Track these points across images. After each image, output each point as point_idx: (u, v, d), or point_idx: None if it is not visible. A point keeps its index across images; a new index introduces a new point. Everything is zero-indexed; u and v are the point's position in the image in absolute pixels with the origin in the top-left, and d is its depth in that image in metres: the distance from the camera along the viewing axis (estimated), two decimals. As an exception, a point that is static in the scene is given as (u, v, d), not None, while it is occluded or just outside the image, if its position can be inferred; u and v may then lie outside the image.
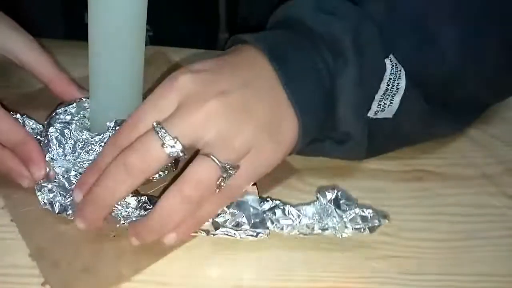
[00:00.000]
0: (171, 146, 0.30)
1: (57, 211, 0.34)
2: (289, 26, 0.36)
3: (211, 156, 0.30)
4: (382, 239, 0.37)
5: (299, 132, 0.34)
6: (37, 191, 0.35)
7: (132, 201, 0.33)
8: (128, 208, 0.33)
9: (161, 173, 0.35)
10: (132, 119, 0.32)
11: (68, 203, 0.34)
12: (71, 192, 0.34)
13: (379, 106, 0.36)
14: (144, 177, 0.31)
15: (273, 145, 0.32)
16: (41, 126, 0.38)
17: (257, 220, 0.34)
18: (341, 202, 0.35)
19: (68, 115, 0.37)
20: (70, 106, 0.37)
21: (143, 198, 0.34)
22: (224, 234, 0.34)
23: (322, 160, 0.42)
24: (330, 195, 0.35)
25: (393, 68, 0.35)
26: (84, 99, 0.38)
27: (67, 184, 0.34)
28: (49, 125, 0.36)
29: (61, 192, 0.34)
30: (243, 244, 0.35)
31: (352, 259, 0.35)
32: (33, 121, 0.38)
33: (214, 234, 0.34)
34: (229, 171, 0.30)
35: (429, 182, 0.42)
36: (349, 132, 0.36)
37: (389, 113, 0.37)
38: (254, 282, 0.33)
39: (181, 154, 0.30)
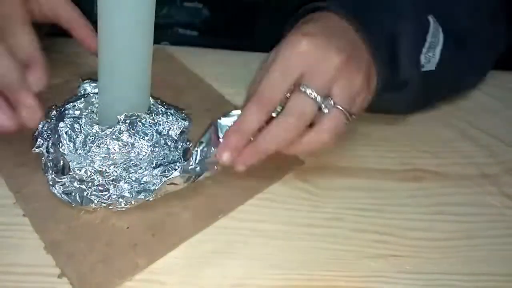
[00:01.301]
0: (325, 103, 0.35)
1: (79, 201, 0.35)
2: None
3: (338, 106, 0.36)
4: (380, 238, 0.37)
5: (377, 80, 0.40)
6: (50, 186, 0.35)
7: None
8: None
9: (185, 183, 0.36)
10: (265, 86, 0.36)
11: (92, 195, 0.35)
12: (91, 183, 0.35)
13: (426, 59, 0.42)
14: (297, 133, 0.36)
15: (367, 95, 0.39)
16: None
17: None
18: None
19: (77, 110, 0.37)
20: (78, 101, 0.38)
21: None
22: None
23: (321, 159, 0.42)
24: None
25: (434, 23, 0.42)
26: (91, 95, 0.38)
27: (84, 177, 0.35)
28: (59, 120, 0.36)
29: (79, 185, 0.35)
30: (241, 243, 0.36)
31: (351, 258, 0.35)
32: None
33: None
34: (350, 118, 0.36)
35: (428, 182, 0.42)
36: (407, 79, 0.42)
37: (433, 64, 0.42)
38: (251, 281, 0.34)
39: (329, 105, 0.35)
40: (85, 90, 0.39)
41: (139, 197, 0.35)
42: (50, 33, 0.51)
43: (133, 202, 0.36)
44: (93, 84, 0.39)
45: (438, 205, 0.40)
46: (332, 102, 0.35)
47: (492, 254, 0.37)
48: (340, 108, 0.36)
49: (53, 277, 0.32)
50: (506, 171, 0.43)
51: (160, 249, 0.34)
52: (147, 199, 0.36)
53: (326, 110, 0.35)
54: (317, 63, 0.36)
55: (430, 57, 0.42)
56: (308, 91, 0.35)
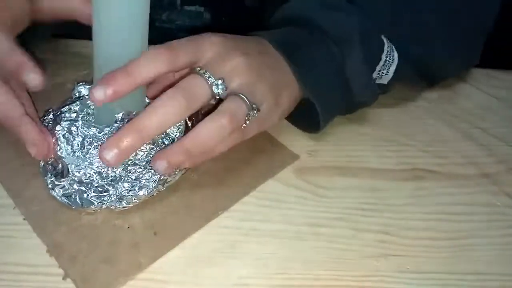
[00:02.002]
0: (218, 85, 0.35)
1: (80, 203, 0.35)
2: (295, 23, 0.42)
3: (240, 95, 0.35)
4: (381, 238, 0.37)
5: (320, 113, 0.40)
6: (50, 190, 0.36)
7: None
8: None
9: (176, 174, 0.37)
10: (170, 45, 0.35)
11: (92, 196, 0.35)
12: (91, 184, 0.35)
13: (378, 75, 0.42)
14: (187, 114, 0.35)
15: (275, 107, 0.38)
16: None
17: None
18: None
19: (73, 113, 0.37)
20: (74, 104, 0.38)
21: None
22: None
23: (321, 158, 0.42)
24: None
25: (388, 42, 0.42)
26: (87, 97, 0.38)
27: (83, 179, 0.35)
28: (56, 123, 0.36)
29: (78, 187, 0.35)
30: (243, 243, 0.36)
31: (352, 258, 0.35)
32: None
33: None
34: (253, 110, 0.35)
35: (429, 181, 0.42)
36: (365, 101, 0.43)
37: (384, 80, 0.43)
38: (253, 280, 0.34)
39: (223, 95, 0.35)
40: (79, 92, 0.39)
41: (139, 195, 0.36)
42: (52, 35, 0.51)
43: (134, 201, 0.36)
44: (87, 87, 0.39)
45: (439, 204, 0.40)
46: (225, 87, 0.35)
47: (493, 254, 0.37)
48: (240, 95, 0.35)
49: (56, 276, 0.32)
50: (506, 171, 0.43)
51: (162, 247, 0.35)
52: (147, 197, 0.36)
53: (219, 91, 0.35)
54: (224, 54, 0.36)
55: (383, 74, 0.42)
56: (202, 71, 0.35)
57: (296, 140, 0.43)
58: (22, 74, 0.36)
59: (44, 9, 0.41)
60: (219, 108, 0.34)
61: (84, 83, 0.39)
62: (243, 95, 0.35)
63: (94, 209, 0.36)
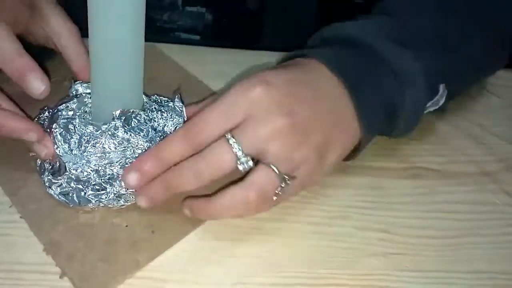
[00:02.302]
0: (244, 163, 0.32)
1: (77, 201, 0.35)
2: (353, 46, 0.38)
3: (272, 166, 0.32)
4: (381, 236, 0.37)
5: (362, 143, 0.37)
6: (47, 188, 0.35)
7: None
8: None
9: None
10: (202, 119, 0.33)
11: (90, 194, 0.35)
12: (88, 183, 0.35)
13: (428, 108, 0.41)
14: (210, 180, 0.33)
15: (318, 166, 0.35)
16: None
17: None
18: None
19: (70, 111, 0.37)
20: (71, 102, 0.37)
21: None
22: None
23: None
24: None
25: (443, 92, 0.40)
26: (84, 95, 0.38)
27: (81, 176, 0.35)
28: (52, 121, 0.36)
29: (75, 185, 0.35)
30: (243, 241, 0.35)
31: (352, 256, 0.35)
32: None
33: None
34: (287, 181, 0.33)
35: (428, 180, 0.42)
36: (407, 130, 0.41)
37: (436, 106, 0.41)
38: (253, 279, 0.33)
39: (248, 169, 0.33)
40: (77, 90, 0.39)
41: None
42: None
43: (131, 199, 0.36)
44: (84, 85, 0.38)
45: (439, 203, 0.40)
46: (251, 163, 0.32)
47: (492, 252, 0.37)
48: (271, 166, 0.32)
49: (53, 275, 0.32)
50: (506, 169, 0.43)
51: (160, 245, 0.34)
52: None
53: (241, 167, 0.32)
54: (258, 117, 0.32)
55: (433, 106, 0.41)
56: (232, 141, 0.32)
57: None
58: (26, 79, 0.36)
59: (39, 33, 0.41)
60: (248, 178, 0.32)
61: (81, 81, 0.39)
62: (276, 166, 0.32)
63: (91, 207, 0.35)
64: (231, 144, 0.32)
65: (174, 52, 0.50)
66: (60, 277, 0.32)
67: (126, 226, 0.35)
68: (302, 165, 0.33)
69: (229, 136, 0.32)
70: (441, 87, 0.40)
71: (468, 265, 0.36)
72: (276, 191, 0.33)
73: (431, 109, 0.41)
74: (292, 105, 0.33)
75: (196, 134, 0.33)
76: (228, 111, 0.33)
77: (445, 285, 0.35)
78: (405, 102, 0.38)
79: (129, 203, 0.36)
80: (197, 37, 0.57)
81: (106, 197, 0.35)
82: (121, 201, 0.35)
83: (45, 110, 0.38)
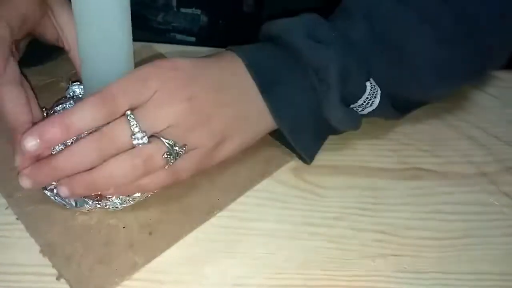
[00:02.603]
0: (139, 139, 0.32)
1: (74, 203, 0.35)
2: (277, 44, 0.39)
3: (162, 139, 0.33)
4: (379, 237, 0.37)
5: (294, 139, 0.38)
6: (43, 189, 0.35)
7: None
8: None
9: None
10: (108, 93, 0.33)
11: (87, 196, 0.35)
12: None
13: (360, 108, 0.40)
14: (105, 158, 0.33)
15: (216, 150, 0.36)
16: None
17: None
18: None
19: None
20: (68, 103, 0.37)
21: None
22: None
23: (319, 157, 0.42)
24: None
25: (372, 89, 0.39)
26: (81, 96, 0.38)
27: None
28: None
29: None
30: (240, 242, 0.35)
31: (349, 257, 0.35)
32: None
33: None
34: (176, 149, 0.33)
35: (427, 181, 0.41)
36: (346, 130, 0.41)
37: (365, 111, 0.41)
38: (250, 280, 0.33)
39: (142, 146, 0.33)
40: (74, 92, 0.38)
41: (134, 196, 0.35)
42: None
43: (128, 201, 0.35)
44: (82, 86, 0.38)
45: (437, 203, 0.40)
46: (146, 139, 0.32)
47: (491, 253, 0.37)
48: (162, 138, 0.33)
49: (49, 277, 0.32)
50: (505, 170, 0.43)
51: (157, 247, 0.34)
52: (141, 198, 0.36)
53: (135, 142, 0.32)
54: (161, 98, 0.33)
55: (357, 111, 0.40)
56: (131, 117, 0.32)
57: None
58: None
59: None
60: (135, 149, 0.33)
61: (78, 82, 0.39)
62: (168, 140, 0.33)
63: (88, 209, 0.35)
64: (129, 120, 0.32)
65: (170, 52, 0.50)
66: (57, 279, 0.32)
67: (123, 227, 0.35)
68: (196, 148, 0.35)
69: (129, 113, 0.33)
70: (368, 84, 0.39)
71: (467, 266, 0.36)
72: (165, 157, 0.33)
73: (368, 109, 0.40)
74: (195, 92, 0.35)
75: (102, 107, 0.32)
76: (134, 88, 0.33)
77: (444, 286, 0.34)
78: (326, 99, 0.38)
79: (126, 205, 0.36)
80: (193, 39, 0.57)
81: (103, 199, 0.35)
82: (117, 203, 0.35)
83: (42, 111, 0.38)
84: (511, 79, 0.53)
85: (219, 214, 0.37)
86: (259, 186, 0.39)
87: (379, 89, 0.39)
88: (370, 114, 0.41)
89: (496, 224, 0.39)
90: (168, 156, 0.33)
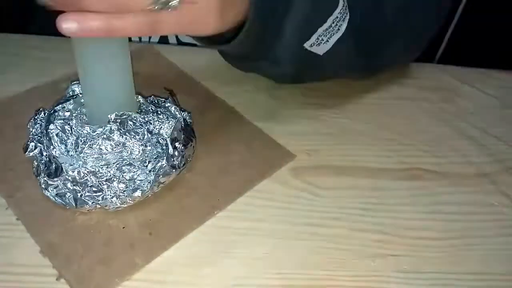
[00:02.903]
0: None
1: (74, 203, 0.35)
2: None
3: None
4: (379, 238, 0.37)
5: (248, 17, 0.34)
6: (43, 189, 0.35)
7: None
8: None
9: (170, 174, 0.36)
10: None
11: (87, 196, 0.35)
12: (85, 184, 0.35)
13: (317, 40, 0.38)
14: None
15: (215, 13, 0.32)
16: None
17: None
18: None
19: (67, 111, 0.37)
20: (68, 103, 0.37)
21: None
22: None
23: (319, 158, 0.42)
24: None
25: (342, 9, 0.38)
26: (80, 95, 0.38)
27: (78, 178, 0.35)
28: (49, 122, 0.36)
29: (72, 186, 0.35)
30: (240, 243, 0.35)
31: (349, 258, 0.35)
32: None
33: None
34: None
35: (427, 181, 0.41)
36: (281, 57, 0.39)
37: (321, 50, 0.39)
38: (250, 281, 0.33)
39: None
40: (73, 91, 0.38)
41: (134, 196, 0.35)
42: (39, 32, 0.50)
43: (128, 201, 0.35)
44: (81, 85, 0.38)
45: (437, 204, 0.40)
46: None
47: (490, 253, 0.37)
48: None
49: (50, 277, 0.32)
50: (505, 170, 0.43)
51: (157, 247, 0.34)
52: (141, 198, 0.36)
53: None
54: None
55: (322, 42, 0.38)
56: None
57: (293, 140, 0.43)
58: None
59: None
60: None
61: (78, 81, 0.39)
62: None
63: (88, 209, 0.35)
64: None
65: (171, 53, 0.50)
66: (57, 279, 0.32)
67: (123, 227, 0.35)
68: (194, 3, 0.31)
69: None
70: (340, 6, 0.37)
71: (467, 266, 0.36)
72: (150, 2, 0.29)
73: (335, 37, 0.38)
74: None
75: None
76: None
77: (443, 286, 0.34)
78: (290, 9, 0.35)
79: (125, 205, 0.36)
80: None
81: (102, 199, 0.35)
82: (117, 203, 0.35)
83: (41, 111, 0.38)
84: (511, 79, 0.53)
85: (219, 214, 0.37)
86: (259, 187, 0.39)
87: (348, 13, 0.38)
88: (330, 50, 0.38)
89: (495, 224, 0.39)
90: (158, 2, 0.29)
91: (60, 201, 0.35)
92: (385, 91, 0.50)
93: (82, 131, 0.35)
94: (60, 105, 0.37)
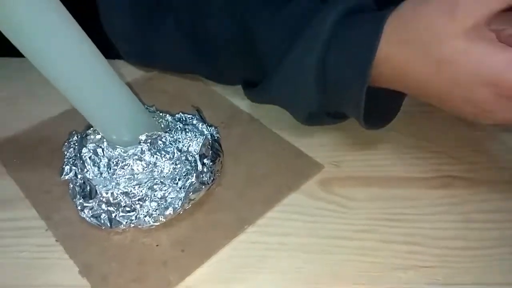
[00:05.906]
0: None
1: (108, 223, 0.36)
2: None
3: None
4: (410, 249, 0.36)
5: None
6: (79, 211, 0.37)
7: None
8: None
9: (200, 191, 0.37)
10: None
11: (120, 216, 0.36)
12: (118, 205, 0.36)
13: None
14: None
15: None
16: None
17: None
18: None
19: (98, 134, 0.38)
20: None
21: None
22: None
23: (346, 169, 0.42)
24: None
25: None
26: None
27: (111, 199, 0.36)
28: (82, 146, 0.37)
29: (106, 207, 0.36)
30: (270, 258, 0.36)
31: (380, 270, 0.35)
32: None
33: None
34: None
35: (457, 189, 0.41)
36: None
37: None
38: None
39: None
40: None
41: (166, 213, 0.36)
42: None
43: (161, 219, 0.36)
44: None
45: (468, 212, 0.39)
46: None
47: (527, 262, 0.36)
48: None
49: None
50: (539, 175, 0.42)
51: (190, 264, 0.35)
52: (173, 216, 0.36)
53: None
54: None
55: None
56: None
57: (320, 151, 0.43)
58: None
59: None
60: None
61: None
62: None
63: (122, 229, 0.36)
64: None
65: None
66: (95, 299, 0.33)
67: (157, 245, 0.36)
68: None
69: None
70: None
71: (501, 277, 0.35)
72: None
73: None
74: None
75: None
76: None
77: (479, 298, 0.34)
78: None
79: (158, 223, 0.36)
80: None
81: (136, 218, 0.36)
82: (150, 221, 0.36)
83: (74, 134, 0.40)
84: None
85: (249, 229, 0.37)
86: (286, 200, 0.40)
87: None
88: None
89: (531, 232, 0.38)
90: None
91: (96, 222, 0.36)
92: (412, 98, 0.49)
93: (113, 152, 0.36)
94: (92, 128, 0.38)
